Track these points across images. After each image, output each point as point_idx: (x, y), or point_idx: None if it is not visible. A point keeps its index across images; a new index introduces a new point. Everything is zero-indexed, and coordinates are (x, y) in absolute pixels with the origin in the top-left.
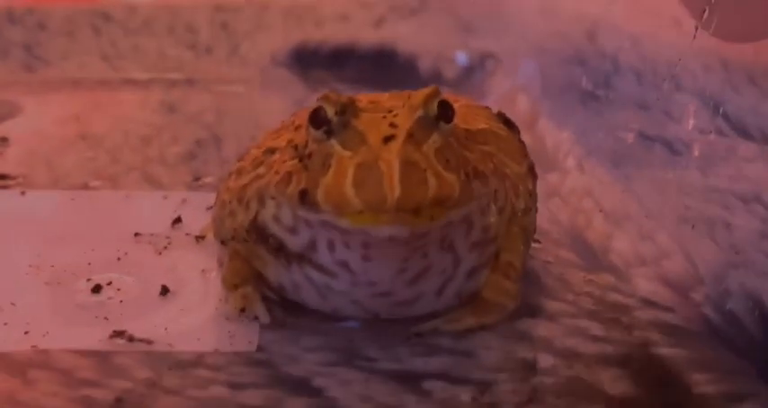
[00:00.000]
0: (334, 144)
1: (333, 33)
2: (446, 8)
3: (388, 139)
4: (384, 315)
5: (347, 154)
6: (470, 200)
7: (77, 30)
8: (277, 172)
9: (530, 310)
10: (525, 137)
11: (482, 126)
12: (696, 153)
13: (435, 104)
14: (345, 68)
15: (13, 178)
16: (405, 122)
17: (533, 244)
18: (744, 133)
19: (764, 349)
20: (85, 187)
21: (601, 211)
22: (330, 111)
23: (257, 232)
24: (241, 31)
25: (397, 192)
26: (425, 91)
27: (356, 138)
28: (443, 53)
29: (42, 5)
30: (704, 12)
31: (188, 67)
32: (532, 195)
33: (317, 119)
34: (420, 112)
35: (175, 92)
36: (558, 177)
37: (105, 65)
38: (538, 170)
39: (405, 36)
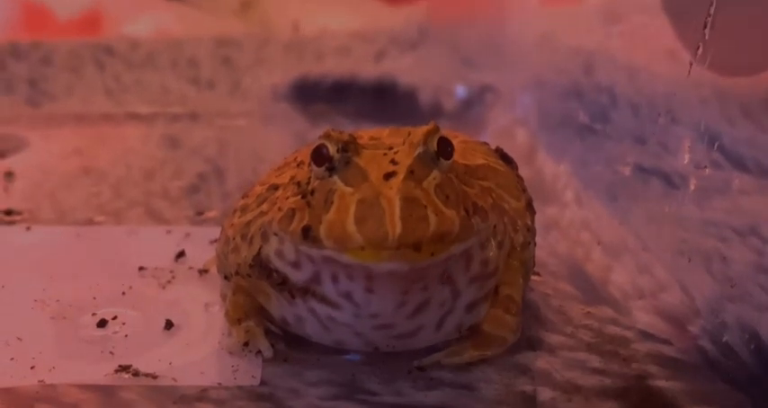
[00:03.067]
0: (337, 180)
1: (333, 67)
2: (445, 42)
3: (389, 176)
4: (385, 348)
5: (349, 190)
6: (470, 236)
7: (81, 64)
8: (280, 209)
9: (529, 343)
10: (524, 170)
11: (480, 161)
12: (692, 185)
13: (435, 141)
14: (346, 102)
15: (19, 213)
16: (405, 159)
17: (532, 277)
18: (740, 165)
19: (760, 381)
20: (90, 222)
21: (599, 244)
22: (332, 149)
23: (260, 267)
24: (242, 64)
25: (398, 229)
26: (425, 128)
27: (358, 175)
28: (443, 86)
29: (46, 40)
30: (698, 48)
31: (190, 101)
32: (531, 230)
33: (319, 156)
34: (420, 149)
35: (178, 126)
36: (556, 210)
37: (109, 99)
38: (537, 203)
39: (405, 69)
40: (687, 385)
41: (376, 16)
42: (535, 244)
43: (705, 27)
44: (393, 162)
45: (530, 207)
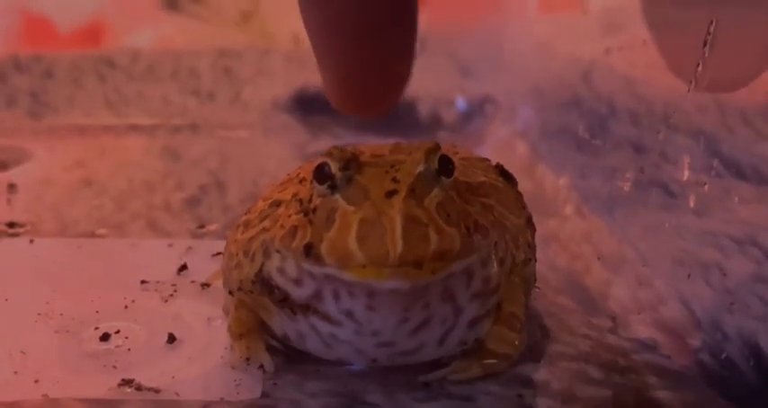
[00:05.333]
0: (339, 199)
1: None
2: (445, 52)
3: (390, 194)
4: (386, 363)
5: (351, 209)
6: (471, 253)
7: (82, 76)
8: (282, 226)
9: (529, 354)
10: (524, 182)
11: (481, 178)
12: (692, 195)
13: (436, 159)
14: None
15: (22, 226)
16: (406, 177)
17: (532, 290)
18: (739, 174)
19: (759, 394)
20: (92, 235)
21: (599, 258)
22: (334, 167)
23: (262, 283)
24: (243, 76)
25: (399, 247)
26: (426, 146)
27: (360, 193)
28: (442, 97)
29: (48, 53)
30: (698, 65)
31: (191, 113)
32: (531, 246)
33: (321, 174)
34: (421, 167)
35: (179, 137)
36: (557, 223)
37: (110, 111)
38: (536, 216)
39: None
40: (686, 397)
41: None
42: (536, 261)
43: (705, 45)
44: (395, 180)
45: (530, 223)
